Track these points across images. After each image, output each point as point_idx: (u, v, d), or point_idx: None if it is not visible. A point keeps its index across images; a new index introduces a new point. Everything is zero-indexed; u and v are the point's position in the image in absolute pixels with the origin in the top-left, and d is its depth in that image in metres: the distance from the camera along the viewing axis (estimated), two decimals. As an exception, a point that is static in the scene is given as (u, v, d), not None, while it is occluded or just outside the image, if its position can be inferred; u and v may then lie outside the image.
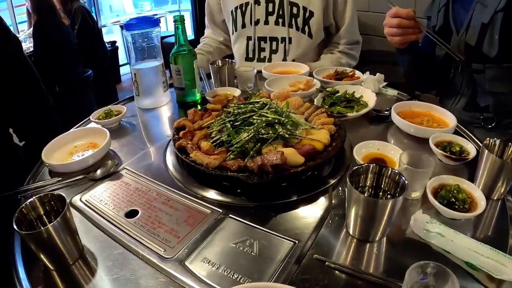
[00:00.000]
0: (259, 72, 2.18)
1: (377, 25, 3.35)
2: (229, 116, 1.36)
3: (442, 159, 1.35)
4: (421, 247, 1.00)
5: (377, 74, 1.95)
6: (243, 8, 2.44)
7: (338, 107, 1.66)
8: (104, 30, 7.05)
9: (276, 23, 2.42)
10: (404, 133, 1.53)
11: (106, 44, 5.92)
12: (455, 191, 1.13)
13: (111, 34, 7.85)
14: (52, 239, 0.92)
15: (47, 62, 4.15)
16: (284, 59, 2.45)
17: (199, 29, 4.30)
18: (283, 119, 1.29)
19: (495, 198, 1.20)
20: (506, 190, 1.19)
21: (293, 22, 2.41)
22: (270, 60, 2.49)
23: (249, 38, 2.49)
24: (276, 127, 1.26)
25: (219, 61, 2.04)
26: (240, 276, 0.91)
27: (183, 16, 1.75)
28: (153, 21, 1.81)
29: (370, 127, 1.62)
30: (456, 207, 1.10)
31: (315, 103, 1.64)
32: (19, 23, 5.85)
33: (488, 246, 0.98)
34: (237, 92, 1.83)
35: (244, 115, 1.33)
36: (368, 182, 1.07)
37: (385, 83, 1.99)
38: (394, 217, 0.98)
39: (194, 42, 3.56)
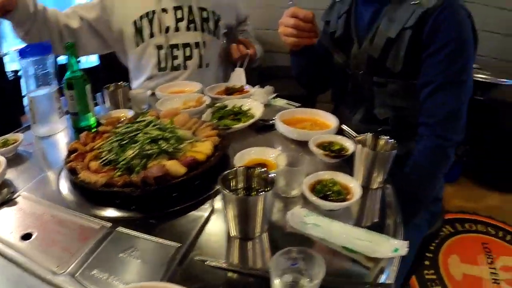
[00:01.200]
0: (153, 94, 2.22)
1: (276, 41, 3.49)
2: (117, 136, 1.43)
3: (323, 158, 1.46)
4: (299, 239, 1.10)
5: (266, 86, 2.06)
6: (150, 16, 2.37)
7: (226, 120, 1.76)
8: (7, 58, 6.79)
9: (188, 29, 2.40)
10: (289, 139, 1.65)
11: (7, 73, 5.73)
12: (330, 184, 1.25)
13: (13, 63, 7.58)
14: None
15: None
16: (200, 65, 2.47)
17: (103, 54, 4.28)
18: (166, 134, 1.38)
19: (374, 187, 1.33)
20: (383, 178, 1.33)
21: (205, 27, 2.44)
22: (185, 67, 2.46)
23: (159, 47, 2.42)
24: (160, 143, 1.35)
25: (112, 85, 2.08)
26: (128, 282, 0.99)
27: (73, 43, 1.79)
28: (46, 48, 1.83)
29: (258, 136, 1.73)
30: (331, 198, 1.21)
31: (203, 118, 1.74)
32: None
33: (364, 230, 1.10)
34: (129, 113, 1.90)
35: (131, 133, 1.41)
36: (240, 185, 1.17)
37: (275, 95, 2.10)
38: (272, 213, 1.10)
39: (98, 68, 3.56)
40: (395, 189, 1.36)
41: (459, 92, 1.61)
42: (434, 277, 2.98)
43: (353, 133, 1.67)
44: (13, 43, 7.49)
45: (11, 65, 5.95)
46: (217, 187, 1.31)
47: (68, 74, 1.80)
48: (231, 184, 1.17)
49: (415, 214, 1.74)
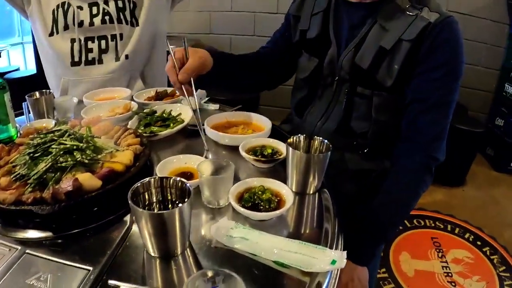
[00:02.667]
0: (81, 101, 2.08)
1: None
2: (30, 148, 1.32)
3: (254, 163, 1.40)
4: (228, 255, 1.03)
5: (198, 90, 1.98)
6: (65, 7, 2.19)
7: (152, 127, 1.68)
8: None
9: (103, 21, 2.23)
10: (221, 145, 1.58)
11: None
12: (259, 192, 1.18)
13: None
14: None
15: None
16: (117, 58, 2.29)
17: (40, 61, 4.12)
18: (81, 145, 1.28)
19: (311, 192, 1.27)
20: (320, 182, 1.27)
21: (122, 17, 2.26)
22: (100, 61, 2.29)
23: (73, 40, 2.24)
24: (75, 154, 1.25)
25: (37, 93, 1.95)
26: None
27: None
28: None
29: (187, 142, 1.66)
30: (261, 207, 1.14)
31: (129, 126, 1.65)
32: None
33: (296, 241, 1.03)
34: (52, 123, 1.78)
35: (44, 145, 1.30)
36: (154, 198, 1.09)
37: (207, 98, 2.03)
38: (196, 226, 1.01)
39: (36, 77, 3.40)
40: (331, 197, 1.29)
41: (449, 111, 1.55)
42: (385, 275, 3.00)
43: (287, 135, 1.59)
44: None
45: None
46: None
47: None
48: (145, 198, 1.09)
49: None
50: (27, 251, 1.07)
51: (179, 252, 1.03)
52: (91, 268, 0.99)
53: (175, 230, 0.98)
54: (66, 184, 1.11)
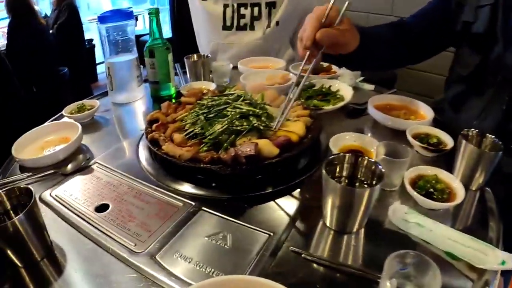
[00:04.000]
0: (235, 67, 2.11)
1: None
2: (203, 109, 1.33)
3: (420, 151, 1.33)
4: (399, 238, 0.98)
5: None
6: None
7: (315, 101, 1.63)
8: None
9: None
10: (381, 126, 1.51)
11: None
12: (433, 181, 1.12)
13: (88, 32, 7.78)
14: (19, 233, 0.89)
15: (21, 59, 4.10)
16: (268, 25, 2.26)
17: (176, 27, 4.22)
18: (257, 111, 1.26)
19: (473, 189, 1.18)
20: (485, 180, 1.18)
21: None
22: (252, 27, 2.28)
23: (226, 6, 2.27)
24: (251, 119, 1.23)
25: (194, 55, 2.00)
26: (213, 270, 0.88)
27: (158, 8, 1.72)
28: (128, 14, 1.77)
29: (347, 120, 1.59)
30: (435, 197, 1.08)
31: (290, 97, 1.61)
32: None
33: (468, 236, 0.96)
34: (212, 86, 1.80)
35: (218, 107, 1.30)
36: (345, 173, 1.05)
37: (362, 78, 1.96)
38: (372, 208, 0.97)
39: (172, 40, 3.52)
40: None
41: None
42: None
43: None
44: (87, 14, 7.68)
45: (85, 35, 6.09)
46: (307, 173, 1.20)
47: (150, 41, 1.74)
48: (336, 171, 1.05)
49: None
50: (203, 208, 1.07)
51: (354, 230, 0.99)
52: (271, 233, 0.97)
53: (360, 209, 0.94)
54: (247, 148, 1.08)
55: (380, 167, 0.98)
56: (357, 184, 1.04)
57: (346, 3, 1.23)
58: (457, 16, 1.62)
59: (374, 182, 1.00)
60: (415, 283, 0.78)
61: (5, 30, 4.52)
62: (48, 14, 5.86)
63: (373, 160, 1.01)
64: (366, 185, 1.02)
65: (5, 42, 4.37)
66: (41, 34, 4.37)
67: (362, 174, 1.04)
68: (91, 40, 6.76)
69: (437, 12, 1.68)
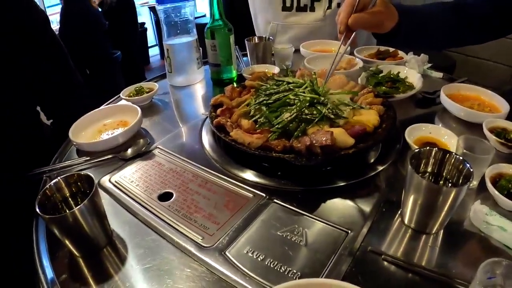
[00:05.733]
0: (297, 50, 2.02)
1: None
2: (262, 96, 1.26)
3: (496, 146, 1.22)
4: (480, 241, 0.89)
5: (422, 54, 1.81)
6: None
7: (384, 88, 1.53)
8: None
9: None
10: (452, 117, 1.40)
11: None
12: (515, 181, 1.02)
13: (139, 16, 7.84)
14: (78, 223, 0.83)
15: (74, 43, 4.12)
16: (329, 6, 2.18)
17: (228, 9, 4.17)
18: (323, 98, 1.18)
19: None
20: None
21: None
22: (312, 8, 2.20)
23: None
24: (319, 107, 1.15)
25: (255, 38, 1.92)
26: (288, 269, 0.81)
27: (218, -13, 1.65)
28: (186, -5, 1.71)
29: (417, 109, 1.50)
30: (518, 198, 0.97)
31: (359, 83, 1.52)
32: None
33: None
34: (275, 69, 1.72)
35: (277, 94, 1.23)
36: (429, 168, 0.96)
37: (430, 65, 1.85)
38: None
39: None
40: None
41: None
42: None
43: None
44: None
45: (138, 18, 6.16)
46: (381, 167, 1.11)
47: (210, 23, 1.68)
48: (420, 165, 0.96)
49: None
50: (275, 200, 1.00)
51: (434, 230, 0.90)
52: (349, 231, 0.90)
53: (444, 209, 0.85)
54: (323, 137, 1.00)
55: (468, 165, 0.89)
56: (441, 182, 0.95)
57: None
58: None
59: (460, 182, 0.90)
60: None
61: (57, 16, 4.56)
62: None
63: (462, 158, 0.91)
64: (450, 184, 0.93)
65: (58, 26, 4.39)
66: (93, 18, 4.39)
67: (448, 171, 0.94)
68: (143, 23, 6.84)
69: None
